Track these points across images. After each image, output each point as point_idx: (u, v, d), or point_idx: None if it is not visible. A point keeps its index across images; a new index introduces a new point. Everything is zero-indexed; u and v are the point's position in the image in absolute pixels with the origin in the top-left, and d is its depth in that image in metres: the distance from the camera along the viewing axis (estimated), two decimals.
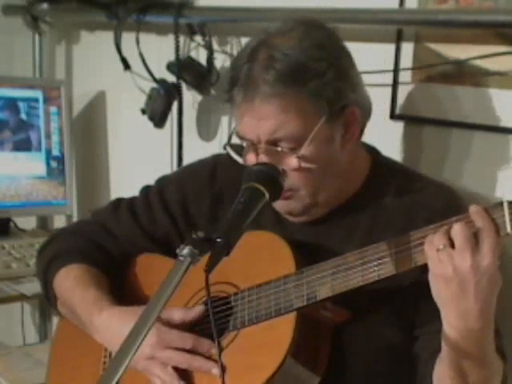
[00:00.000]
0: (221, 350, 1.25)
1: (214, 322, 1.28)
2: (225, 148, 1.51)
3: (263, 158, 1.41)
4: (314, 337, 1.41)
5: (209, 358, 1.43)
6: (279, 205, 1.47)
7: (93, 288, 1.59)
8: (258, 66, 1.39)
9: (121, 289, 1.66)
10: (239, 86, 1.40)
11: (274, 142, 1.40)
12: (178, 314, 1.48)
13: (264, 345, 1.39)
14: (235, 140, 1.50)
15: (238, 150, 1.48)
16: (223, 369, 1.34)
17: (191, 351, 1.44)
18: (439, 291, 1.24)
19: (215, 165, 1.68)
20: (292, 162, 1.41)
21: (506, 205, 1.17)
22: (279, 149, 1.40)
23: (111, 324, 1.51)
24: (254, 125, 1.40)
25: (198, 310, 1.48)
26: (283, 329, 1.37)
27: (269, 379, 1.34)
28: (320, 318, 1.42)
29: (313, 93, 1.39)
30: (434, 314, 1.28)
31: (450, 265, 1.20)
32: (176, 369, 1.44)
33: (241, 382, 1.34)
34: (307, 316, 1.39)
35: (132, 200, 1.74)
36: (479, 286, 1.20)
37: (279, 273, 1.42)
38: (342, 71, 1.43)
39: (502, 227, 1.17)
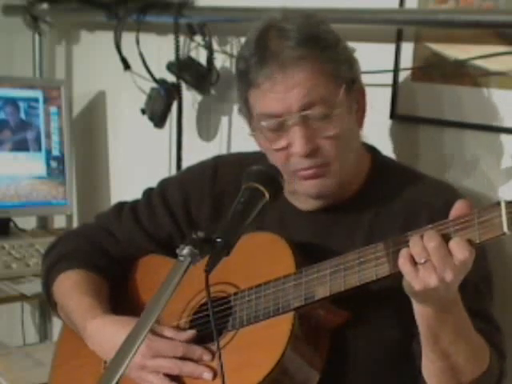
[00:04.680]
0: (219, 351, 1.25)
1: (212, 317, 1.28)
2: None
3: (296, 132, 1.41)
4: (312, 336, 1.41)
5: (200, 362, 1.43)
6: (310, 185, 1.46)
7: (88, 295, 1.59)
8: (274, 40, 1.42)
9: (124, 290, 1.67)
10: (263, 62, 1.41)
11: (306, 108, 1.41)
12: (168, 334, 1.48)
13: (262, 343, 1.40)
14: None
15: None
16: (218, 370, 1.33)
17: (182, 358, 1.44)
18: (418, 298, 1.26)
19: (216, 166, 1.68)
20: (327, 127, 1.42)
21: (503, 204, 1.17)
22: (313, 112, 1.41)
23: (103, 332, 1.52)
24: (284, 96, 1.40)
25: (189, 334, 1.48)
26: (281, 327, 1.38)
27: (266, 377, 1.34)
28: (318, 317, 1.42)
29: (332, 59, 1.43)
30: None
31: (434, 277, 1.20)
32: (169, 375, 1.45)
33: (239, 379, 1.34)
34: (306, 315, 1.40)
35: (134, 203, 1.74)
36: (457, 281, 1.23)
37: (279, 273, 1.43)
38: (348, 46, 1.49)
39: (498, 227, 1.17)
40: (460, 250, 1.19)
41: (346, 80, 1.45)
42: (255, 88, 1.43)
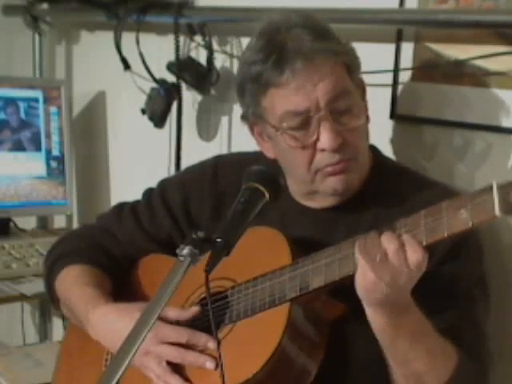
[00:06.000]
0: (218, 346, 1.25)
1: (212, 316, 1.28)
2: None
3: (325, 126, 1.41)
4: (309, 327, 1.41)
5: (203, 352, 1.43)
6: (337, 180, 1.46)
7: (90, 286, 1.60)
8: (289, 39, 1.41)
9: (126, 290, 1.67)
10: (285, 60, 1.40)
11: (333, 101, 1.41)
12: (172, 313, 1.48)
13: (258, 335, 1.40)
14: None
15: None
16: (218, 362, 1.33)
17: (186, 346, 1.45)
18: (369, 293, 1.27)
19: (216, 166, 1.68)
20: (351, 120, 1.43)
21: (495, 187, 1.17)
22: (338, 105, 1.41)
23: (105, 320, 1.52)
24: (311, 90, 1.40)
25: (193, 311, 1.49)
26: (277, 318, 1.38)
27: (262, 367, 1.34)
28: (315, 309, 1.42)
29: (344, 52, 1.45)
30: (434, 294, 1.33)
31: (387, 273, 1.22)
32: (171, 363, 1.45)
33: (236, 371, 1.34)
34: (302, 307, 1.40)
35: (135, 204, 1.75)
36: (410, 285, 1.25)
37: (276, 266, 1.43)
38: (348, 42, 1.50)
39: (491, 210, 1.17)
40: (413, 252, 1.21)
41: (356, 73, 1.48)
42: (276, 88, 1.42)
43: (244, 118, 1.54)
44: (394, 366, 1.34)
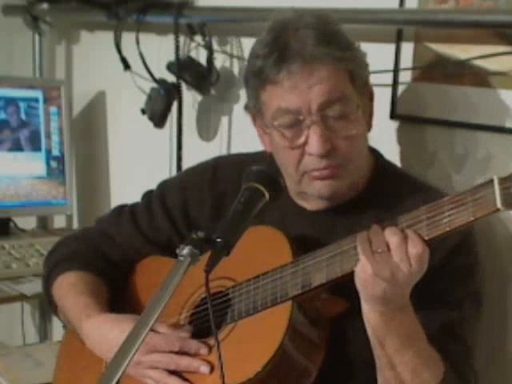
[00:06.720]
0: (218, 345, 1.24)
1: (212, 316, 1.27)
2: None
3: (315, 131, 1.40)
4: (310, 325, 1.41)
5: (197, 355, 1.43)
6: (323, 185, 1.46)
7: (84, 295, 1.59)
8: (294, 39, 1.41)
9: (126, 292, 1.67)
10: (284, 59, 1.39)
11: (326, 106, 1.40)
12: (163, 331, 1.48)
13: (260, 334, 1.40)
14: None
15: None
16: (217, 363, 1.33)
17: (179, 353, 1.44)
18: (368, 287, 1.27)
19: (216, 167, 1.68)
20: (345, 128, 1.42)
21: (496, 181, 1.17)
22: (332, 111, 1.41)
23: (98, 331, 1.52)
24: (306, 91, 1.39)
25: (184, 331, 1.48)
26: (279, 317, 1.37)
27: (264, 367, 1.34)
28: (317, 307, 1.42)
29: (350, 59, 1.44)
30: (424, 304, 1.32)
31: (387, 268, 1.23)
32: (166, 370, 1.44)
33: (237, 371, 1.34)
34: (304, 305, 1.40)
35: (134, 206, 1.75)
36: (410, 282, 1.26)
37: (277, 265, 1.43)
38: (360, 49, 1.49)
39: (492, 203, 1.17)
40: (413, 246, 1.22)
41: (361, 81, 1.47)
42: (273, 85, 1.42)
43: (247, 108, 1.55)
44: (380, 366, 1.33)
